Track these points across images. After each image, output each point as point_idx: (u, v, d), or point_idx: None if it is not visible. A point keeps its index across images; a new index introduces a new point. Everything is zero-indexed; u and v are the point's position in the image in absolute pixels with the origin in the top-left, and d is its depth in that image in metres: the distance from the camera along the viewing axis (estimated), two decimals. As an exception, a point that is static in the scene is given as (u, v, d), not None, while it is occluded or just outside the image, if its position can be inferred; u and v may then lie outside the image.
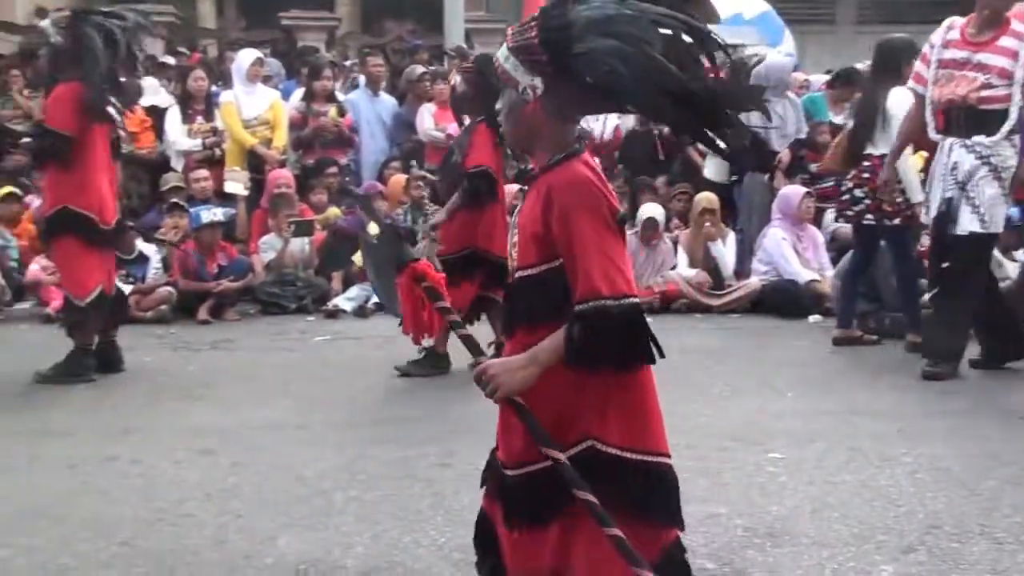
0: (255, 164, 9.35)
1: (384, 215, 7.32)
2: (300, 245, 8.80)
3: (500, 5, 16.81)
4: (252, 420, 5.49)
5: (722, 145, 2.45)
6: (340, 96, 10.11)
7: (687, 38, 2.33)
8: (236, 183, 9.27)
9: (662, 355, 2.41)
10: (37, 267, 8.37)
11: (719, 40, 2.36)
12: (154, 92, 9.84)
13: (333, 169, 9.52)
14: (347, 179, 9.65)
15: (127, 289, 8.11)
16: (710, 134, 2.41)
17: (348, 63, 12.02)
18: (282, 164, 9.39)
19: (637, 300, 2.36)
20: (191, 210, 8.56)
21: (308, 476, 4.53)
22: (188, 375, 6.56)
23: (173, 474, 4.63)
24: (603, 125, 10.81)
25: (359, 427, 5.36)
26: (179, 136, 9.50)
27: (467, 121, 6.57)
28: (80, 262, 6.21)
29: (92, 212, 6.15)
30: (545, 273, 2.41)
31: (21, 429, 5.33)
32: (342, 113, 9.77)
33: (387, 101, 10.40)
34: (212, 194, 9.11)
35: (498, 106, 2.52)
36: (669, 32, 2.30)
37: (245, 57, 9.60)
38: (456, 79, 6.84)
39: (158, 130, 9.72)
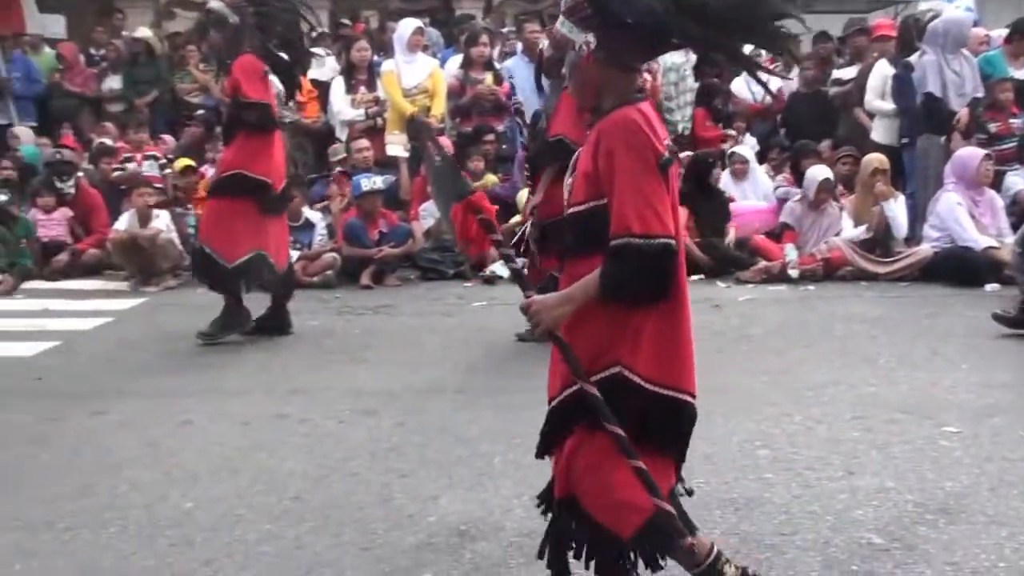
0: (414, 132, 9.49)
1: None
2: (458, 212, 8.89)
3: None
4: (413, 383, 5.62)
5: (764, 76, 2.66)
6: (497, 63, 10.14)
7: None
8: (396, 145, 9.45)
9: (667, 296, 2.51)
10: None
11: None
12: (319, 64, 10.09)
13: (490, 136, 9.58)
14: (503, 146, 9.69)
15: (294, 255, 8.43)
16: (750, 57, 2.58)
17: (505, 30, 12.03)
18: (440, 132, 9.51)
19: (667, 241, 2.44)
20: (352, 178, 8.78)
21: (468, 438, 4.61)
22: (352, 338, 6.76)
23: (338, 433, 4.78)
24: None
25: (516, 391, 5.38)
26: (343, 106, 9.73)
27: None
28: (237, 227, 6.37)
29: (268, 178, 6.38)
30: (592, 209, 2.53)
31: (200, 388, 5.60)
32: (499, 80, 9.81)
33: (544, 67, 10.35)
34: (372, 163, 9.30)
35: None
36: None
37: (406, 26, 9.74)
38: (545, 43, 6.81)
39: (323, 101, 9.98)
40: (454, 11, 13.80)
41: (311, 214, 8.76)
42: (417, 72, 9.51)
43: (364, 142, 9.33)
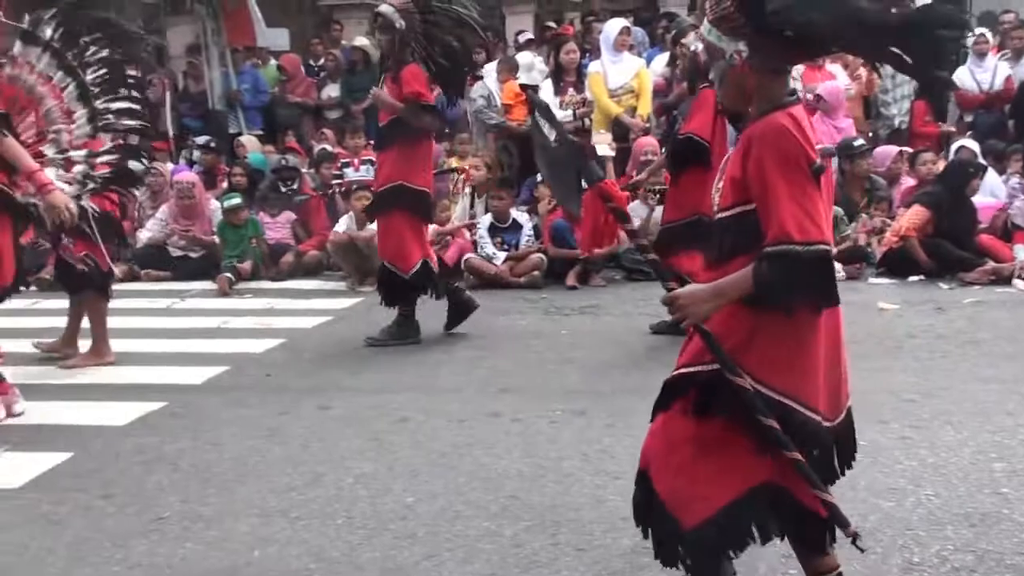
0: (620, 132, 9.47)
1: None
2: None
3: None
4: (622, 384, 5.60)
5: (941, 73, 2.47)
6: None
7: None
8: (603, 145, 9.46)
9: (837, 301, 2.51)
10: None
11: None
12: (528, 68, 10.24)
13: (697, 135, 9.43)
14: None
15: (501, 256, 8.60)
16: (917, 62, 2.40)
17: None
18: (646, 132, 9.45)
19: (827, 247, 2.43)
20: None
21: (680, 442, 4.54)
22: (558, 338, 6.81)
23: (551, 432, 4.83)
24: (992, 75, 9.91)
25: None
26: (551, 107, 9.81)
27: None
28: (407, 237, 6.47)
29: (428, 187, 6.51)
30: (740, 214, 2.53)
31: (415, 385, 5.78)
32: (706, 78, 9.64)
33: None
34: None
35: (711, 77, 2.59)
36: None
37: (612, 27, 9.74)
38: (699, 46, 6.64)
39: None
40: (659, 9, 13.68)
41: (518, 215, 8.89)
42: (623, 72, 9.50)
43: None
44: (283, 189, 9.91)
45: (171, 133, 11.86)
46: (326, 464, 4.50)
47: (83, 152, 5.48)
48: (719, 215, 2.62)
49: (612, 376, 5.78)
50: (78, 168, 5.45)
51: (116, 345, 6.43)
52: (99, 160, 5.54)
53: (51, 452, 4.64)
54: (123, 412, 5.26)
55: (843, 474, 2.81)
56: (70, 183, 5.38)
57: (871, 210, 8.86)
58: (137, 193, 10.01)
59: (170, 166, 10.59)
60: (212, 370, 6.12)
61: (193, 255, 9.44)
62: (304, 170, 10.47)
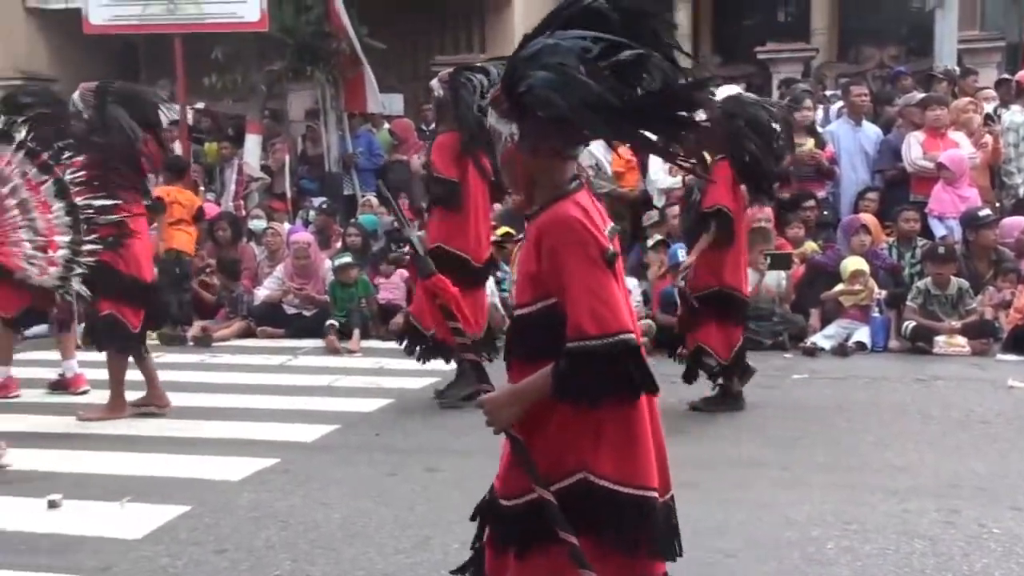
0: (733, 198, 9.38)
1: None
2: (776, 279, 8.69)
3: (996, 20, 15.46)
4: (734, 455, 5.48)
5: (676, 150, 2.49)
6: (819, 128, 9.87)
7: (627, 54, 2.30)
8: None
9: (655, 388, 2.41)
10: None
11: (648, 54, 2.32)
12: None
13: (810, 202, 9.31)
14: (825, 212, 9.38)
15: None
16: (660, 141, 2.42)
17: (828, 93, 11.71)
18: (757, 199, 9.34)
19: (626, 336, 2.34)
20: (671, 246, 8.79)
21: (796, 520, 4.41)
22: (669, 405, 6.69)
23: (661, 505, 4.72)
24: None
25: (847, 471, 5.13)
26: (661, 174, 9.82)
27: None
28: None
29: (466, 252, 6.53)
30: (540, 311, 2.45)
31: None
32: (821, 145, 9.53)
33: (869, 130, 9.97)
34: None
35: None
36: (593, 52, 2.29)
37: (724, 93, 9.68)
38: (702, 116, 6.56)
39: (643, 169, 10.12)
40: (771, 76, 13.61)
41: (627, 280, 8.82)
42: (735, 138, 9.41)
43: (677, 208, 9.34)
44: (395, 250, 10.08)
45: (289, 194, 12.23)
46: (433, 527, 4.49)
47: (67, 238, 5.79)
48: (518, 312, 2.53)
49: (722, 447, 5.65)
50: (61, 252, 5.77)
51: (233, 401, 6.58)
52: (84, 248, 5.82)
53: (169, 504, 4.75)
54: (238, 467, 5.37)
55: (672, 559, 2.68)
56: (54, 264, 5.77)
57: (997, 282, 8.55)
58: (257, 251, 10.43)
59: (287, 226, 10.89)
60: (323, 428, 6.21)
61: (307, 313, 9.65)
62: (416, 232, 10.64)
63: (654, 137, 2.42)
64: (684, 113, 2.39)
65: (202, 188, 12.04)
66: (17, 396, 7.14)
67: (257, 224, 10.89)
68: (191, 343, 9.31)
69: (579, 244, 2.37)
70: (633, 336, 2.36)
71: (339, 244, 10.57)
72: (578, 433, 2.44)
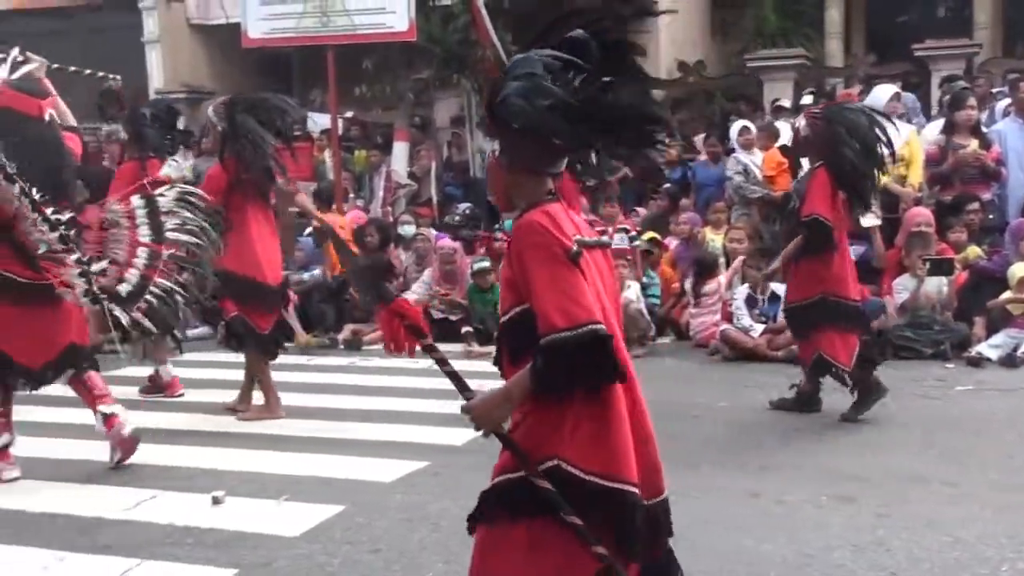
0: (889, 202, 9.04)
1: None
2: (937, 286, 8.31)
3: None
4: (893, 469, 5.27)
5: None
6: (984, 127, 9.40)
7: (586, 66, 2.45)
8: (869, 215, 9.03)
9: (623, 377, 2.47)
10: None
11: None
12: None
13: (974, 205, 8.87)
14: (991, 216, 8.93)
15: (759, 328, 8.36)
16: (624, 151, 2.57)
17: (994, 91, 11.15)
18: (917, 201, 8.98)
19: (595, 327, 2.40)
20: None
21: (965, 539, 4.20)
22: (819, 417, 6.49)
23: (817, 518, 4.58)
24: None
25: (1019, 490, 4.86)
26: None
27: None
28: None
29: None
30: (519, 314, 2.53)
31: (674, 457, 5.56)
32: (986, 145, 9.08)
33: (1040, 129, 9.43)
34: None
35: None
36: (559, 66, 2.45)
37: (882, 93, 9.34)
38: (801, 123, 6.59)
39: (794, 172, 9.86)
40: (930, 74, 13.05)
41: (777, 287, 8.63)
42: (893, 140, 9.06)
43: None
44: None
45: (435, 200, 12.43)
46: (582, 534, 4.46)
47: (144, 256, 5.36)
48: (502, 319, 2.62)
49: (882, 461, 5.44)
50: (132, 271, 5.32)
51: (383, 403, 6.69)
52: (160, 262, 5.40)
53: (324, 504, 4.87)
54: (389, 469, 5.46)
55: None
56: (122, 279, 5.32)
57: None
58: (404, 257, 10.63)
59: (434, 232, 11.06)
60: (471, 432, 6.22)
61: (452, 318, 9.77)
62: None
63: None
64: (649, 127, 2.55)
65: (351, 195, 12.35)
66: (181, 395, 7.47)
67: (406, 230, 11.10)
68: (342, 346, 9.55)
69: (541, 245, 2.47)
70: (602, 326, 2.42)
71: (483, 250, 10.67)
72: (554, 425, 2.52)
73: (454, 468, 5.44)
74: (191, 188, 5.84)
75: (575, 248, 2.47)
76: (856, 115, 6.28)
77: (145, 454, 5.79)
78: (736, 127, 10.59)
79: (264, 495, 5.08)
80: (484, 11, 12.00)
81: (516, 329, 2.55)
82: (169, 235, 5.39)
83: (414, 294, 9.93)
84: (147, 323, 5.17)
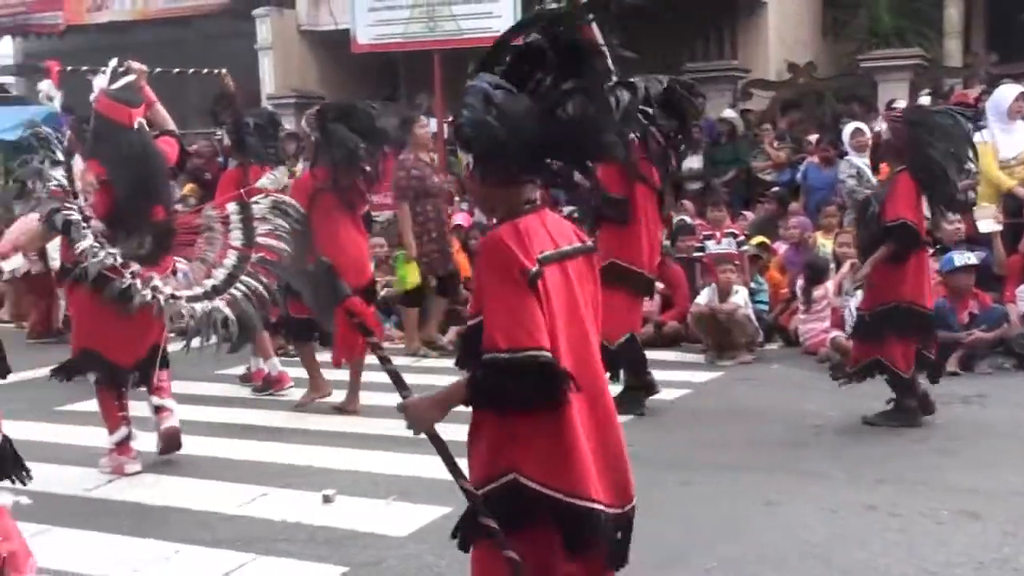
0: (1012, 206, 8.71)
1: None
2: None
3: None
4: (1018, 485, 5.06)
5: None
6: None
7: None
8: (987, 219, 8.72)
9: (559, 401, 2.53)
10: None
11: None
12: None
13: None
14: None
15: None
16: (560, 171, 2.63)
17: None
18: (1037, 205, 8.63)
19: (535, 353, 2.47)
20: (944, 254, 8.25)
21: (1101, 561, 4.00)
22: (937, 428, 6.29)
23: (937, 534, 4.43)
24: None
25: None
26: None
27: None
28: (617, 310, 6.35)
29: (632, 265, 6.56)
30: (478, 323, 2.59)
31: (780, 467, 5.56)
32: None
33: None
34: (963, 238, 8.69)
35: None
36: (500, 91, 2.53)
37: (1007, 92, 8.98)
38: (883, 126, 6.44)
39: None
40: (1056, 73, 12.50)
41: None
42: (1016, 142, 8.74)
43: (956, 216, 8.74)
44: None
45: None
46: (688, 543, 4.41)
47: (233, 258, 5.54)
48: (468, 323, 2.69)
49: (1006, 476, 5.23)
50: (219, 270, 5.51)
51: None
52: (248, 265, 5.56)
53: (432, 504, 4.90)
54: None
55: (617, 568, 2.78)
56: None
57: None
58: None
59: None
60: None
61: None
62: (664, 241, 10.52)
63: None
64: (590, 150, 2.64)
65: (456, 198, 12.44)
66: (291, 386, 7.62)
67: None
68: (450, 347, 9.62)
69: (499, 267, 2.53)
70: (544, 352, 2.49)
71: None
72: (509, 438, 2.60)
73: (560, 472, 5.42)
74: (285, 198, 6.02)
75: (534, 269, 2.52)
76: (941, 117, 6.16)
77: (258, 451, 5.93)
78: (849, 129, 10.32)
79: (374, 495, 5.15)
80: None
81: (474, 336, 2.61)
82: (260, 240, 5.59)
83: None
84: (229, 314, 5.33)
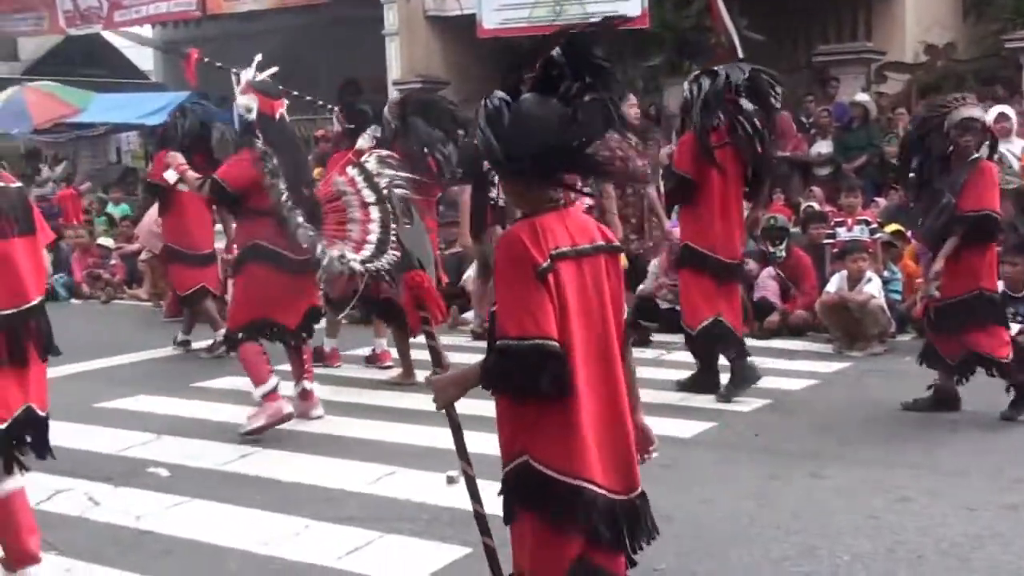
0: None
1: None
2: None
3: None
4: None
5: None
6: None
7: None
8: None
9: (562, 389, 2.65)
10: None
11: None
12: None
13: None
14: None
15: (1015, 329, 7.75)
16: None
17: None
18: None
19: (543, 341, 2.60)
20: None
21: None
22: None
23: (1085, 537, 4.21)
24: None
25: None
26: None
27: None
28: (694, 294, 6.71)
29: (708, 250, 6.57)
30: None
31: (913, 462, 5.37)
32: None
33: None
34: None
35: None
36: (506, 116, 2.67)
37: None
38: (988, 117, 6.37)
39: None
40: None
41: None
42: None
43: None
44: (768, 248, 9.78)
45: (662, 189, 12.22)
46: (820, 537, 4.30)
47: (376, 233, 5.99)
48: (491, 309, 2.77)
49: None
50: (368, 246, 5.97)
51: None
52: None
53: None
54: (618, 458, 5.44)
55: (634, 552, 2.88)
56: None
57: None
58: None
59: (667, 222, 10.92)
60: (699, 425, 6.16)
61: (679, 308, 9.62)
62: (791, 228, 10.27)
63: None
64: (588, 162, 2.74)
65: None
66: (339, 366, 7.91)
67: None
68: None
69: (514, 261, 2.66)
70: (551, 342, 2.60)
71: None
72: (522, 421, 2.73)
73: (684, 461, 5.35)
74: (384, 152, 6.45)
75: (544, 264, 2.64)
76: None
77: (384, 431, 6.04)
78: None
79: (496, 477, 5.16)
80: (720, -1, 11.75)
81: (494, 324, 2.74)
82: (385, 191, 6.01)
83: (642, 285, 9.86)
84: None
